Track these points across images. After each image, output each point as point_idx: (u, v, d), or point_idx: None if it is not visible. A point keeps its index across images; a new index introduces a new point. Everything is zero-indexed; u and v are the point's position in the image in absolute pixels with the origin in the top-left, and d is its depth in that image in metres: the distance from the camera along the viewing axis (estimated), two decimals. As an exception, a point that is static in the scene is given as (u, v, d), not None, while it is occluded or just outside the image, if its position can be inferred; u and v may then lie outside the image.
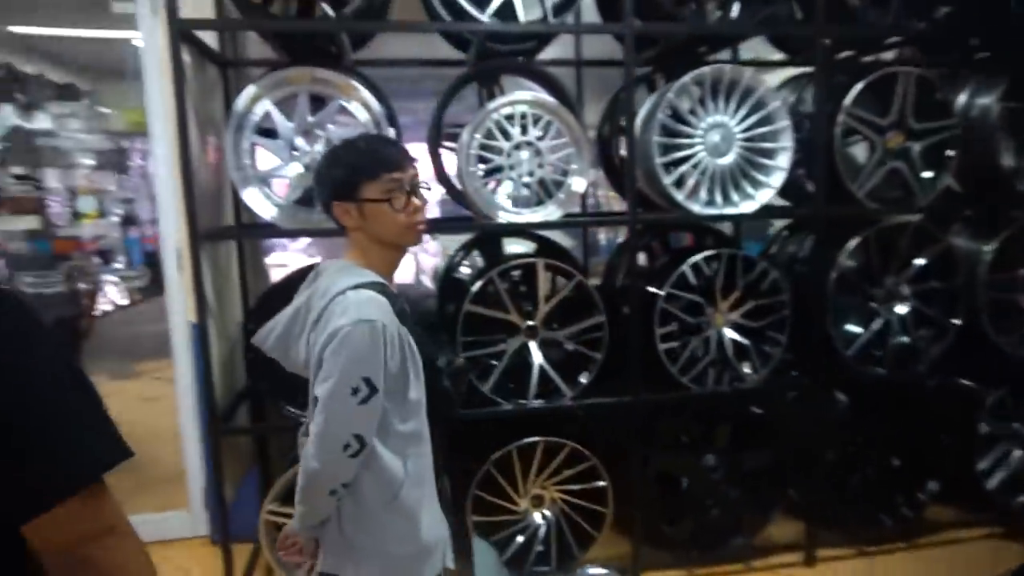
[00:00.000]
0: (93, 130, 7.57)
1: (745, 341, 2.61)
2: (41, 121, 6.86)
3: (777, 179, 2.57)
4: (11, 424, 0.71)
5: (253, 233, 2.65)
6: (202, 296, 2.26)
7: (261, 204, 2.33)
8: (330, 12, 2.28)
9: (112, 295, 7.08)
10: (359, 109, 2.38)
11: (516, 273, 2.58)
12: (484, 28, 2.37)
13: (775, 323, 2.62)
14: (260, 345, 1.44)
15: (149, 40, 2.60)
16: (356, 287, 1.31)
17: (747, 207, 2.57)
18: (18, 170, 4.62)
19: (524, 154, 2.44)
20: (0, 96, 6.28)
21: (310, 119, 2.35)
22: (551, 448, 2.49)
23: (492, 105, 2.40)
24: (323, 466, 1.29)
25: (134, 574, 0.80)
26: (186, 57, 2.26)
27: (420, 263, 5.04)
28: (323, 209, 1.42)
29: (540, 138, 2.44)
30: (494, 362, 2.50)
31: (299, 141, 2.36)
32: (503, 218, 2.42)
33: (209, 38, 2.60)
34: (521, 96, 2.41)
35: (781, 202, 2.75)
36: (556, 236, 3.04)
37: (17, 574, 0.77)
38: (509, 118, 2.41)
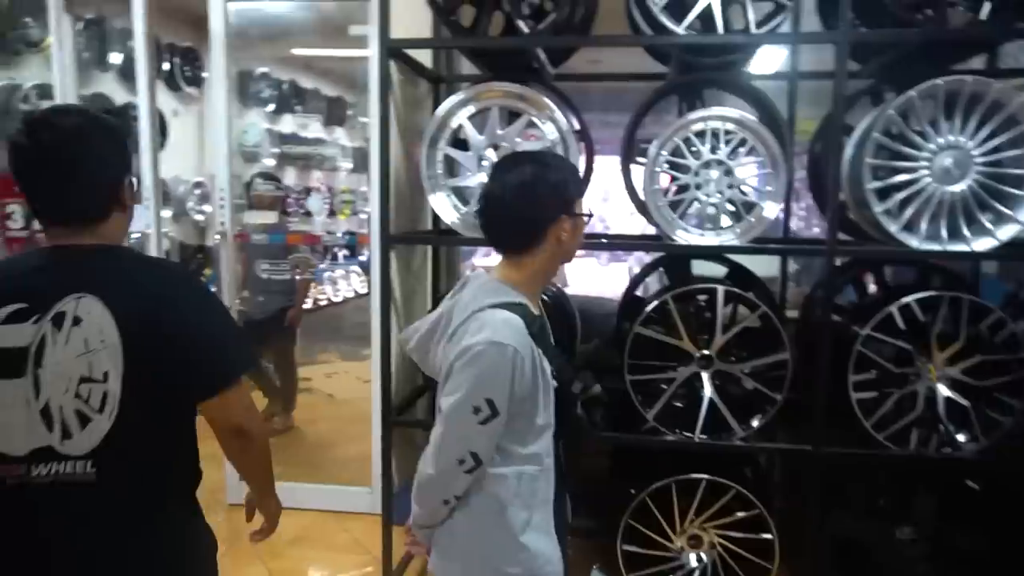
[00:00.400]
0: (354, 137, 8.55)
1: (964, 402, 2.22)
2: (315, 130, 7.91)
3: (1027, 213, 2.15)
4: (197, 343, 1.25)
5: (441, 240, 2.80)
6: (387, 294, 2.44)
7: (446, 210, 2.45)
8: (524, 29, 2.34)
9: (354, 284, 7.95)
10: (548, 124, 2.41)
11: (701, 299, 2.45)
12: (683, 40, 2.28)
13: (1009, 385, 2.19)
14: (404, 344, 1.49)
15: (373, 58, 2.87)
16: (496, 306, 1.30)
17: (981, 244, 2.18)
18: (266, 170, 5.39)
19: (713, 173, 2.31)
20: (282, 107, 7.33)
21: (499, 132, 2.43)
22: (715, 488, 2.32)
23: (680, 121, 2.30)
24: (438, 475, 1.32)
25: (264, 435, 1.36)
26: (395, 73, 2.47)
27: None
28: (522, 225, 1.34)
29: (732, 156, 2.29)
30: (664, 387, 2.39)
31: (489, 153, 2.45)
32: (682, 239, 2.31)
33: (424, 56, 2.81)
34: (712, 112, 2.28)
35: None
36: (754, 261, 2.83)
37: (191, 435, 1.33)
38: (699, 135, 2.29)
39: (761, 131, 2.26)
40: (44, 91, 4.46)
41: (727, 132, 2.28)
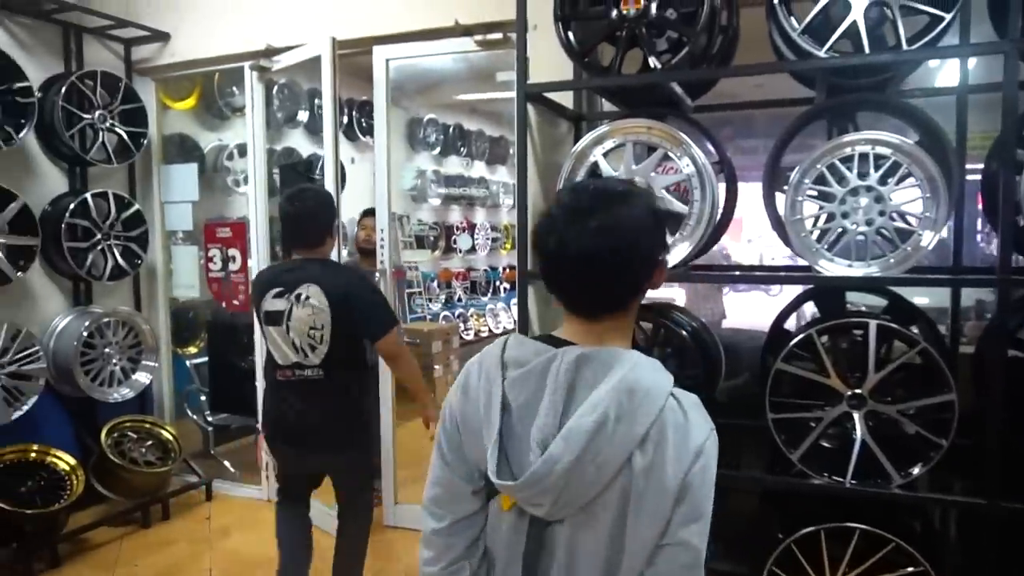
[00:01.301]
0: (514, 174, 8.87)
1: None
2: (479, 170, 8.32)
3: None
4: (366, 312, 2.49)
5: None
6: (524, 329, 2.52)
7: (582, 246, 2.50)
8: (657, 65, 2.35)
9: (502, 319, 8.19)
10: (683, 157, 2.39)
11: (857, 332, 2.30)
12: (823, 64, 2.19)
13: None
14: (536, 483, 0.98)
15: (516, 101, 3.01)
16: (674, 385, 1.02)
17: None
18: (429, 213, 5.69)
19: (862, 200, 2.17)
20: (448, 149, 7.79)
21: (634, 168, 2.45)
22: (870, 539, 2.14)
23: (824, 147, 2.19)
24: None
25: (407, 356, 2.62)
26: (534, 115, 2.58)
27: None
28: (635, 276, 1.06)
29: (882, 182, 2.14)
30: (812, 425, 2.26)
31: (624, 188, 2.47)
32: (827, 270, 2.18)
33: (565, 97, 2.91)
34: (857, 136, 2.16)
35: None
36: (926, 294, 2.61)
37: (364, 359, 2.64)
38: (846, 160, 2.17)
39: (916, 153, 2.10)
40: (244, 149, 5.10)
41: (878, 156, 2.14)
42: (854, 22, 2.14)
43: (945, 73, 2.88)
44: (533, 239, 1.10)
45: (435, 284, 7.43)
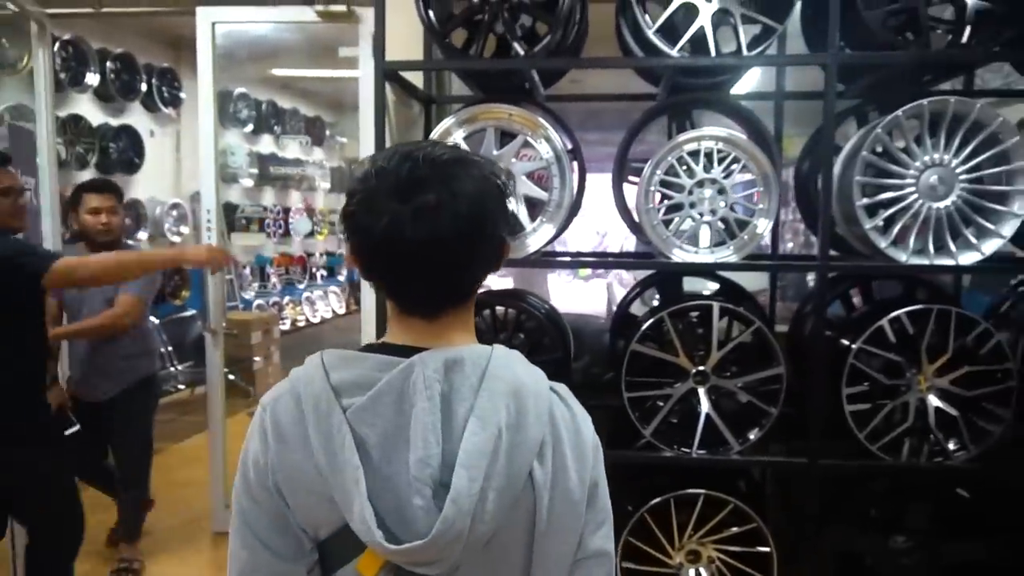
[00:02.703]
0: (332, 157, 8.54)
1: (954, 412, 2.27)
2: (291, 150, 7.88)
3: (1009, 227, 2.23)
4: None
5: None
6: (382, 313, 2.43)
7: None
8: (520, 52, 2.37)
9: (332, 304, 7.91)
10: (542, 144, 2.43)
11: (693, 315, 2.48)
12: (677, 62, 2.33)
13: (996, 395, 2.25)
14: (448, 531, 0.77)
15: (364, 80, 2.88)
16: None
17: (967, 258, 2.25)
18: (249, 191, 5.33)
19: (707, 191, 2.35)
20: (261, 127, 7.29)
21: (495, 152, 2.45)
22: (713, 503, 2.34)
23: (675, 141, 2.34)
24: None
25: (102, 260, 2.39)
26: (390, 94, 2.48)
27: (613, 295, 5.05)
28: (485, 252, 0.89)
29: (725, 175, 2.33)
30: (660, 403, 2.42)
31: (484, 173, 2.47)
32: (678, 257, 2.34)
33: (416, 78, 2.83)
34: (706, 132, 2.33)
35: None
36: (745, 278, 2.88)
37: None
38: (693, 154, 2.34)
39: (752, 149, 2.32)
40: (20, 112, 4.40)
41: (720, 151, 2.33)
42: (702, 27, 2.30)
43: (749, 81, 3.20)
44: (345, 220, 0.87)
45: (271, 271, 7.05)
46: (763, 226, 2.32)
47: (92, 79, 5.25)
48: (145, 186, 5.96)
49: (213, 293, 3.32)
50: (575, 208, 2.78)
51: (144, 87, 5.78)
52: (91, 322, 2.94)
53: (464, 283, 0.90)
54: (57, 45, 4.88)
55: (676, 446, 2.38)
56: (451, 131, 2.42)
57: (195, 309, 5.98)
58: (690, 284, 2.99)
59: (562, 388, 0.92)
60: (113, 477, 3.21)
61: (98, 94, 5.45)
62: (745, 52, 2.28)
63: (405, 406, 0.81)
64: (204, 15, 3.16)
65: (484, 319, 2.64)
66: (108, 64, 5.41)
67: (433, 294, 0.88)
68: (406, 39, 2.74)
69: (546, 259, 2.70)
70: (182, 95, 6.19)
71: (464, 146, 2.43)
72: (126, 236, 5.62)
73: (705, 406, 2.37)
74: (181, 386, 5.68)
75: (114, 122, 5.63)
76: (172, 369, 5.56)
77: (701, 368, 2.37)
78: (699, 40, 2.34)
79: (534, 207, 2.48)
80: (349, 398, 0.82)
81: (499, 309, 2.66)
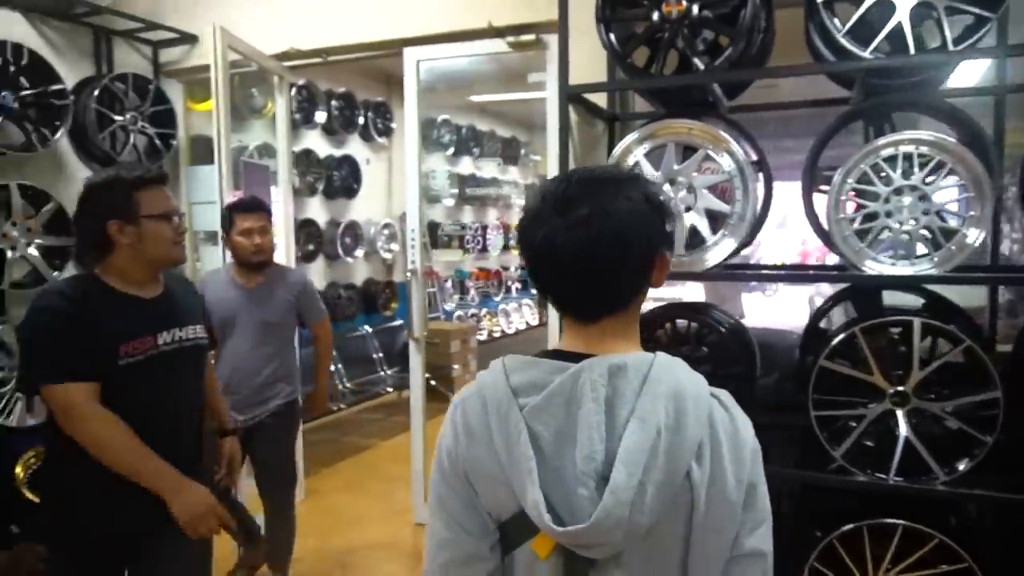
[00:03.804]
0: (526, 175, 8.92)
1: None
2: (490, 170, 8.34)
3: None
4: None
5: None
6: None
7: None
8: (700, 66, 2.38)
9: (526, 316, 8.22)
10: (724, 157, 2.42)
11: (894, 331, 2.32)
12: (865, 65, 2.21)
13: None
14: (607, 519, 0.85)
15: (550, 102, 3.04)
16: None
17: None
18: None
19: (906, 199, 2.20)
20: (461, 150, 7.82)
21: (675, 167, 2.47)
22: (914, 536, 2.16)
23: (868, 147, 2.22)
24: None
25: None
26: (573, 115, 2.61)
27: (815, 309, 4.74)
28: (645, 268, 0.98)
29: (928, 182, 2.17)
30: (853, 424, 2.28)
31: (666, 188, 2.50)
32: (871, 269, 2.21)
33: (600, 98, 2.94)
34: (904, 136, 2.18)
35: None
36: (962, 293, 2.62)
37: None
38: (890, 160, 2.20)
39: (960, 152, 2.13)
40: (264, 150, 5.13)
41: (921, 155, 2.17)
42: (899, 23, 2.16)
43: (973, 73, 2.90)
44: (518, 235, 1.00)
45: (470, 284, 7.55)
46: (973, 235, 2.12)
47: (320, 117, 5.97)
48: (361, 209, 6.63)
49: (416, 304, 3.65)
50: (760, 220, 2.72)
51: (361, 120, 6.45)
52: (326, 359, 3.14)
53: (616, 292, 0.97)
54: (293, 90, 5.64)
55: (871, 471, 2.24)
56: (631, 148, 2.49)
57: (403, 319, 6.54)
58: (902, 299, 2.78)
59: (723, 394, 0.96)
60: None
61: (324, 129, 6.17)
62: (951, 47, 2.10)
63: (573, 407, 0.90)
64: (410, 54, 3.51)
65: (666, 331, 2.65)
66: (332, 103, 6.13)
67: (588, 301, 0.97)
68: (590, 61, 2.86)
69: (729, 272, 2.66)
70: (393, 125, 6.83)
71: (645, 162, 2.48)
72: (346, 253, 6.36)
73: (904, 430, 2.20)
74: (389, 389, 6.25)
75: (337, 153, 6.35)
76: (382, 373, 6.13)
77: (900, 388, 2.21)
78: (898, 37, 2.20)
79: (717, 220, 2.47)
80: (526, 398, 0.92)
81: (681, 322, 2.66)
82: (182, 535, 1.76)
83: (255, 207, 2.88)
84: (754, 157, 2.65)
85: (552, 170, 3.10)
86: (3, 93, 3.19)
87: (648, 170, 2.49)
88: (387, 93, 6.84)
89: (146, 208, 1.75)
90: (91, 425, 1.67)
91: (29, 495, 3.25)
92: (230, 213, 2.88)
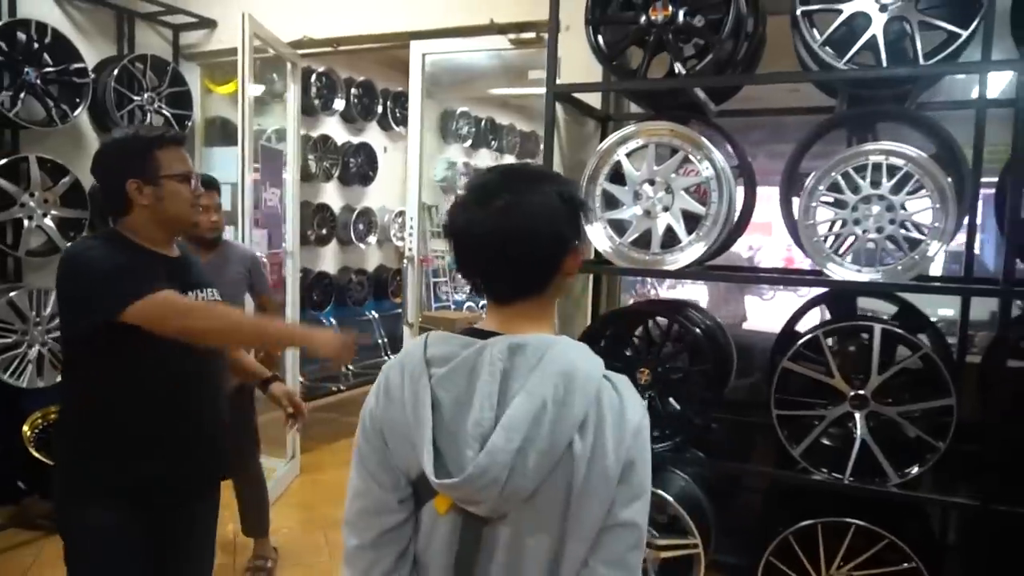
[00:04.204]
0: (543, 170, 8.97)
1: None
2: (507, 162, 8.42)
3: None
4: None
5: (600, 268, 2.92)
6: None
7: (601, 240, 2.60)
8: (681, 71, 2.45)
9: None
10: (703, 161, 2.48)
11: (865, 336, 2.38)
12: (850, 75, 2.26)
13: None
14: (481, 476, 0.94)
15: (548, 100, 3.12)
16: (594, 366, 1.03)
17: None
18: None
19: (874, 208, 2.25)
20: (479, 143, 7.91)
21: (655, 168, 2.54)
22: (865, 534, 2.23)
23: (838, 156, 2.27)
24: None
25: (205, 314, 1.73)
26: (561, 112, 2.70)
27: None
28: (553, 258, 1.05)
29: (894, 191, 2.22)
30: (816, 423, 2.35)
31: (645, 188, 2.57)
32: (835, 274, 2.27)
33: (594, 98, 3.01)
34: (870, 146, 2.23)
35: None
36: (943, 303, 2.67)
37: None
38: (859, 169, 2.25)
39: (927, 165, 2.17)
40: (281, 134, 5.26)
41: (891, 167, 2.22)
42: (874, 36, 2.21)
43: (969, 86, 2.92)
44: (447, 221, 1.09)
45: None
46: (935, 248, 2.17)
47: (339, 104, 6.10)
48: (377, 196, 6.76)
49: (411, 291, 3.76)
50: (741, 224, 2.78)
51: (380, 109, 6.57)
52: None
53: (527, 278, 1.06)
54: (314, 76, 5.78)
55: (828, 471, 2.30)
56: (613, 149, 2.56)
57: (375, 311, 6.68)
58: (881, 309, 2.82)
59: (620, 379, 1.04)
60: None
61: (343, 116, 6.31)
62: (922, 61, 2.15)
63: (473, 378, 1.00)
64: (416, 48, 3.62)
65: (645, 327, 2.73)
66: (352, 90, 6.26)
67: (502, 285, 1.07)
68: (589, 61, 2.93)
69: (701, 272, 2.73)
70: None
71: (626, 162, 2.55)
72: (358, 239, 6.50)
73: (861, 432, 2.26)
74: (394, 374, 6.37)
75: (354, 140, 6.48)
76: (385, 358, 6.26)
77: (860, 392, 2.27)
78: (877, 49, 2.25)
79: (696, 221, 2.53)
80: (437, 368, 1.02)
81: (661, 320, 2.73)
82: (210, 514, 1.89)
83: (210, 184, 2.85)
84: (735, 161, 2.72)
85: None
86: (26, 70, 3.35)
87: (629, 169, 2.56)
88: (406, 83, 6.95)
89: (165, 168, 1.70)
90: (197, 316, 1.67)
91: (36, 454, 3.43)
92: None
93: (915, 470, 2.20)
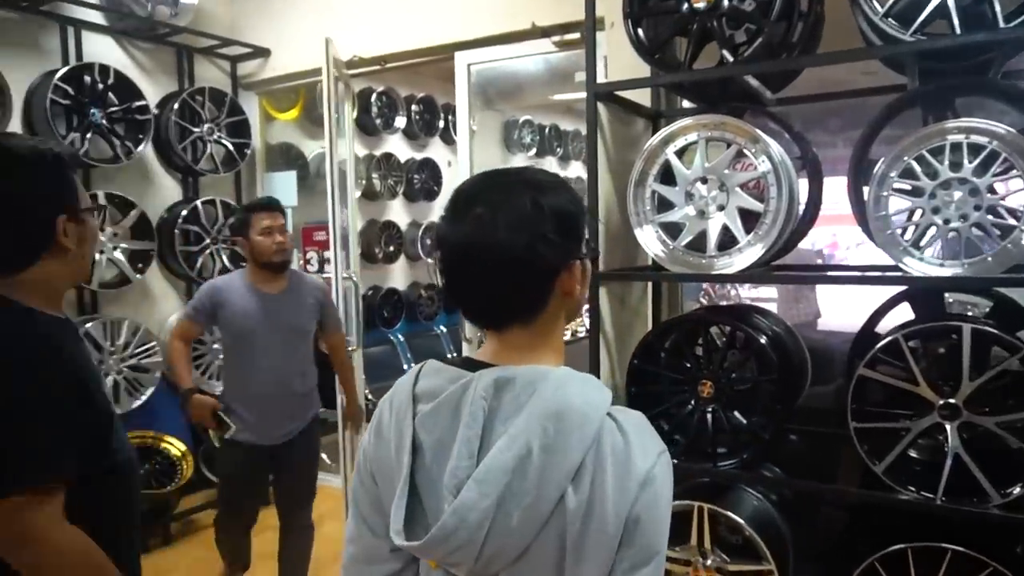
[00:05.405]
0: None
1: None
2: (576, 170, 8.29)
3: None
4: None
5: (657, 275, 2.76)
6: (596, 330, 2.50)
7: (653, 245, 2.45)
8: (729, 58, 2.27)
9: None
10: (759, 154, 2.29)
11: (953, 337, 2.13)
12: (918, 47, 2.03)
13: None
14: (447, 539, 0.83)
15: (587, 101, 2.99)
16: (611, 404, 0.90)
17: None
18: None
19: (955, 194, 2.01)
20: (544, 150, 7.81)
21: (706, 165, 2.37)
22: (963, 561, 1.97)
23: (910, 138, 2.04)
24: None
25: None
26: (605, 113, 2.57)
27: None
28: (549, 267, 0.92)
29: (978, 174, 1.97)
30: (902, 434, 2.11)
31: (698, 187, 2.40)
32: (914, 270, 2.03)
33: (642, 96, 2.86)
34: (949, 124, 1.99)
35: None
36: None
37: None
38: (936, 152, 2.01)
39: (1017, 141, 1.92)
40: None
41: (973, 146, 1.97)
42: (943, 1, 1.98)
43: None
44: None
45: None
46: (1031, 233, 1.91)
47: (400, 122, 6.15)
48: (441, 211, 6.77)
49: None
50: (807, 219, 2.57)
51: (442, 124, 6.58)
52: (349, 373, 3.07)
53: (511, 301, 0.92)
54: (374, 96, 5.83)
55: (917, 489, 2.06)
56: (660, 147, 2.41)
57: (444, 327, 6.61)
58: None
59: (628, 417, 0.89)
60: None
61: (406, 133, 6.35)
62: (1002, 24, 1.90)
63: (457, 418, 0.87)
64: (461, 58, 3.57)
65: (705, 338, 2.55)
66: (413, 107, 6.29)
67: (487, 308, 0.94)
68: (635, 58, 2.79)
69: (764, 274, 2.53)
70: (474, 127, 6.91)
71: (675, 160, 2.39)
72: (427, 255, 6.51)
73: (953, 446, 2.01)
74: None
75: (418, 156, 6.51)
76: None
77: (950, 400, 2.02)
78: (950, 14, 2.01)
79: (753, 220, 2.34)
80: (422, 404, 0.91)
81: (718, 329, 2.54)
82: None
83: (274, 206, 2.76)
84: (798, 153, 2.51)
85: (579, 171, 3.05)
86: (92, 111, 3.50)
87: (678, 168, 2.40)
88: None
89: (83, 199, 1.31)
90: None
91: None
92: (245, 214, 2.75)
93: (1017, 489, 1.93)
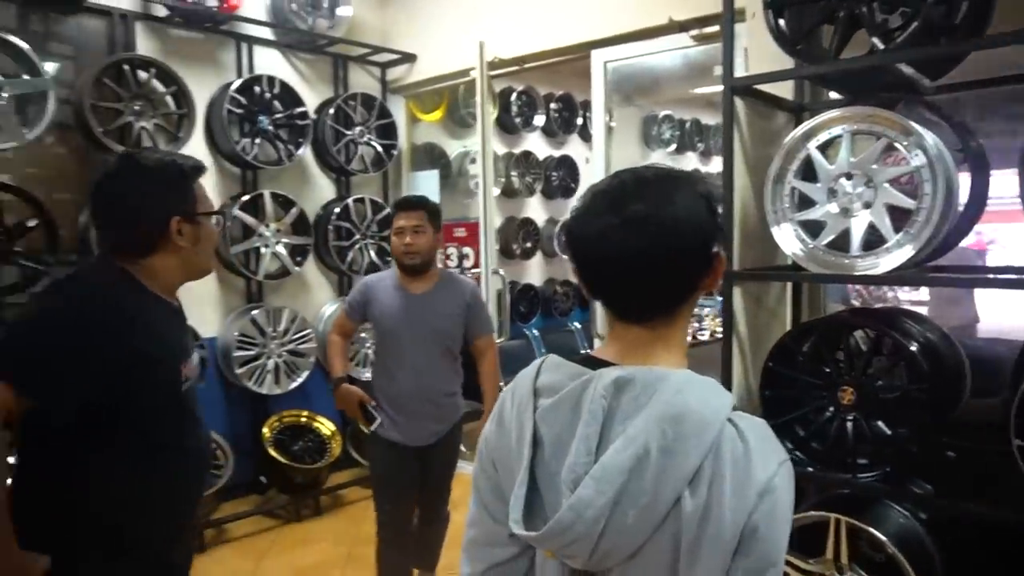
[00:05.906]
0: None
1: None
2: (716, 166, 8.05)
3: None
4: None
5: (796, 276, 2.65)
6: (729, 331, 2.44)
7: (790, 243, 2.35)
8: (879, 45, 2.14)
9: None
10: (912, 146, 2.14)
11: None
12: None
13: None
14: (564, 532, 0.85)
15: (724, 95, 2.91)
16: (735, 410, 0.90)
17: None
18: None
19: None
20: (684, 146, 7.65)
21: (852, 160, 2.24)
22: None
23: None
24: None
25: None
26: (742, 107, 2.50)
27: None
28: (697, 275, 0.94)
29: None
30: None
31: (843, 183, 2.28)
32: (1094, 275, 1.82)
33: (785, 89, 2.75)
34: None
35: None
36: None
37: None
38: None
39: None
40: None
41: None
42: None
43: None
44: (565, 233, 0.98)
45: None
46: None
47: (539, 120, 6.25)
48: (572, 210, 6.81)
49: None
50: (970, 218, 2.37)
51: (580, 121, 6.61)
52: (496, 379, 2.83)
53: (660, 297, 0.93)
54: (514, 95, 5.97)
55: (1093, 519, 1.85)
56: (800, 142, 2.31)
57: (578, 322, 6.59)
58: None
59: (750, 424, 0.88)
60: None
61: (544, 131, 6.45)
62: None
63: (577, 414, 0.89)
64: (597, 56, 3.58)
65: (847, 344, 2.41)
66: (551, 105, 6.37)
67: (637, 302, 0.94)
68: (777, 49, 2.69)
69: (914, 275, 2.35)
70: (613, 124, 6.89)
71: (817, 155, 2.29)
72: (563, 251, 6.57)
73: None
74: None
75: (556, 153, 6.59)
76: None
77: None
78: None
79: (904, 217, 2.19)
80: (543, 399, 0.93)
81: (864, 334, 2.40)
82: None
83: (412, 205, 2.67)
84: (957, 146, 2.32)
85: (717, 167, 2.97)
86: (260, 117, 3.85)
87: (820, 163, 2.29)
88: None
89: (201, 204, 1.54)
90: None
91: (272, 452, 3.91)
92: (395, 210, 2.73)
93: None
